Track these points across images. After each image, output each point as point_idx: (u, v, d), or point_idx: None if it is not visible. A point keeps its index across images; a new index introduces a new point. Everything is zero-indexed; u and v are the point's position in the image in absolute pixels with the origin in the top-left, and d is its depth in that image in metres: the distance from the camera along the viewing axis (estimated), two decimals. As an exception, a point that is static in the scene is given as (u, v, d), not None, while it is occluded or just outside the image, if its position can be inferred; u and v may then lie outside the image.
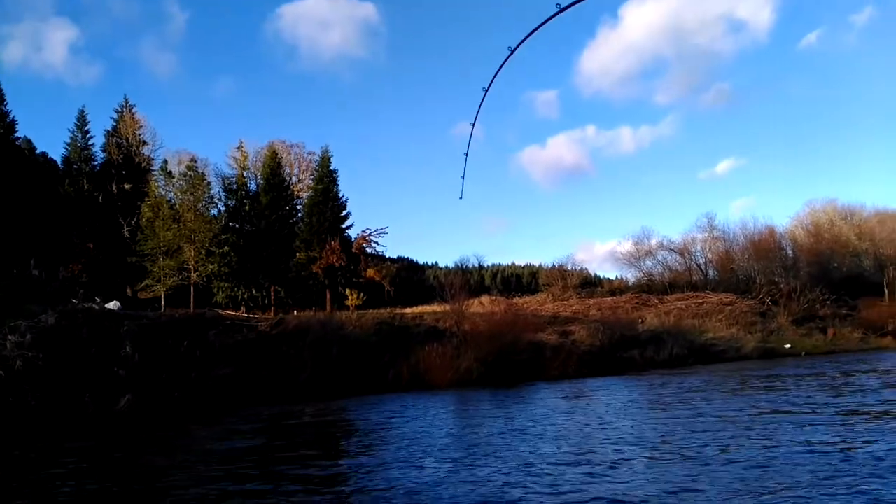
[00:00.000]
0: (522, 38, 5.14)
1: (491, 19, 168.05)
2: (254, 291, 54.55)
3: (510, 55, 5.34)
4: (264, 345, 25.41)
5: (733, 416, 14.35)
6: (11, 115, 49.08)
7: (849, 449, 9.88)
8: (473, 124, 6.54)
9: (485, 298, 49.53)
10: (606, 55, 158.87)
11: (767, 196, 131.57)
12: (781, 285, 51.10)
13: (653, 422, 14.59)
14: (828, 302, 50.17)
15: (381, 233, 58.42)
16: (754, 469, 8.77)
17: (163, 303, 43.85)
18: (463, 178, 7.25)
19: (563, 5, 4.39)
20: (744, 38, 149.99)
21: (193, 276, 45.41)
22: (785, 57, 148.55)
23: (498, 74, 5.75)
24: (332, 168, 59.30)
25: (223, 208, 56.68)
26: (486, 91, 6.02)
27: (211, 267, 47.01)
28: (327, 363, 24.39)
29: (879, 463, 8.74)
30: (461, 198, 7.48)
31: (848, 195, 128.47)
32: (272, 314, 41.12)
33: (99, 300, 31.01)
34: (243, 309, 48.36)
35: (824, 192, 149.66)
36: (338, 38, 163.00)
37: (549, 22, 4.67)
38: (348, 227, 59.58)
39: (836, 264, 62.90)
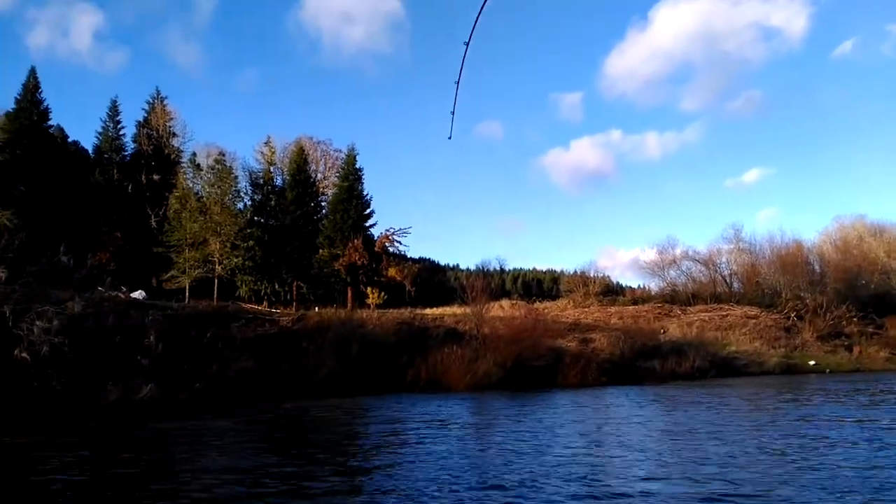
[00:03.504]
0: None
1: (515, 13, 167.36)
2: (276, 286, 54.89)
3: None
4: (285, 340, 25.62)
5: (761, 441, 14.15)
6: (45, 103, 49.95)
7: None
8: (458, 82, 6.31)
9: (505, 302, 49.44)
10: (634, 58, 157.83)
11: (794, 208, 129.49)
12: (807, 300, 50.27)
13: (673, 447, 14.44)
14: (854, 319, 49.31)
15: (403, 232, 58.56)
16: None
17: (187, 294, 44.30)
18: (453, 112, 7.00)
19: None
20: (776, 46, 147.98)
21: (218, 268, 45.84)
22: (818, 65, 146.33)
23: (476, 25, 5.49)
24: (357, 166, 59.54)
25: (249, 202, 57.16)
26: (468, 45, 5.83)
27: (235, 260, 47.42)
28: (347, 361, 24.50)
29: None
30: (450, 138, 7.24)
31: (878, 211, 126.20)
32: (294, 310, 41.33)
33: (125, 289, 31.51)
34: (266, 303, 48.67)
35: (853, 208, 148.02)
36: (361, 32, 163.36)
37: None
38: (371, 226, 59.78)
39: (863, 281, 61.75)
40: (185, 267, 45.29)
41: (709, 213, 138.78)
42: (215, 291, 45.43)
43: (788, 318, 48.96)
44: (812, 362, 41.65)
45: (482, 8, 5.13)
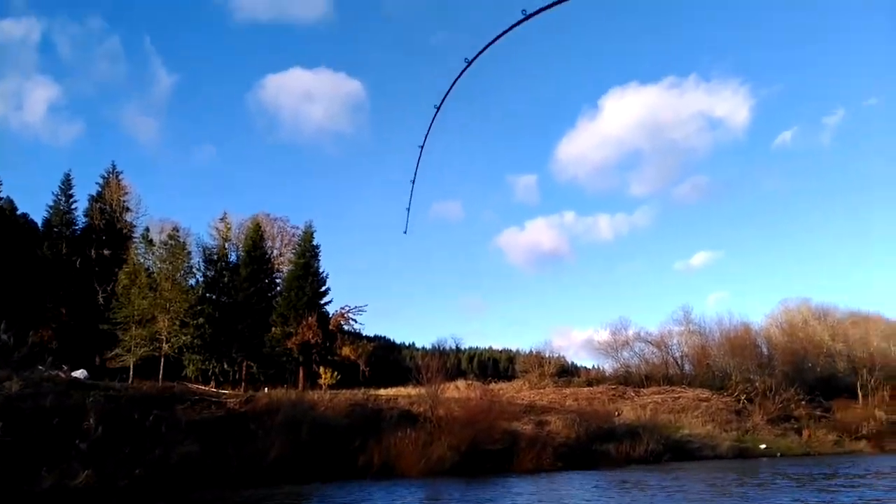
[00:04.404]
0: (480, 50, 4.98)
1: (473, 99, 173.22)
2: (225, 366, 53.48)
3: (466, 67, 5.13)
4: (233, 422, 24.77)
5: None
6: (-3, 176, 49.08)
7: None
8: (422, 147, 6.31)
9: (461, 383, 49.01)
10: (585, 144, 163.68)
11: (742, 291, 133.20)
12: (757, 383, 51.16)
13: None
14: (803, 402, 50.24)
15: (359, 310, 58.06)
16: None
17: (131, 373, 42.73)
18: (408, 209, 6.94)
19: (528, 12, 4.29)
20: (720, 135, 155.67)
21: (165, 346, 44.52)
22: (760, 154, 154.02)
23: (450, 92, 5.42)
24: (314, 243, 59.44)
25: (202, 279, 56.26)
26: (438, 109, 5.76)
27: (184, 338, 46.16)
28: (297, 444, 23.74)
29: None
30: (405, 232, 7.16)
31: (822, 295, 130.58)
32: (243, 390, 40.24)
33: (66, 368, 30.33)
34: (213, 383, 47.24)
35: (799, 291, 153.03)
36: (322, 111, 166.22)
37: (509, 32, 4.56)
38: (327, 304, 59.20)
39: (810, 364, 63.30)
40: (131, 345, 43.89)
41: (660, 295, 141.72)
42: (161, 371, 43.97)
43: (739, 400, 49.62)
44: (763, 446, 41.96)
45: (462, 72, 5.25)
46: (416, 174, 6.58)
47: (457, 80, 5.37)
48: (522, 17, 4.31)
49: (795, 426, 47.53)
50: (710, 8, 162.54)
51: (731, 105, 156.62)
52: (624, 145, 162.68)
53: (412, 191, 6.68)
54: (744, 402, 49.34)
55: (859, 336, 66.68)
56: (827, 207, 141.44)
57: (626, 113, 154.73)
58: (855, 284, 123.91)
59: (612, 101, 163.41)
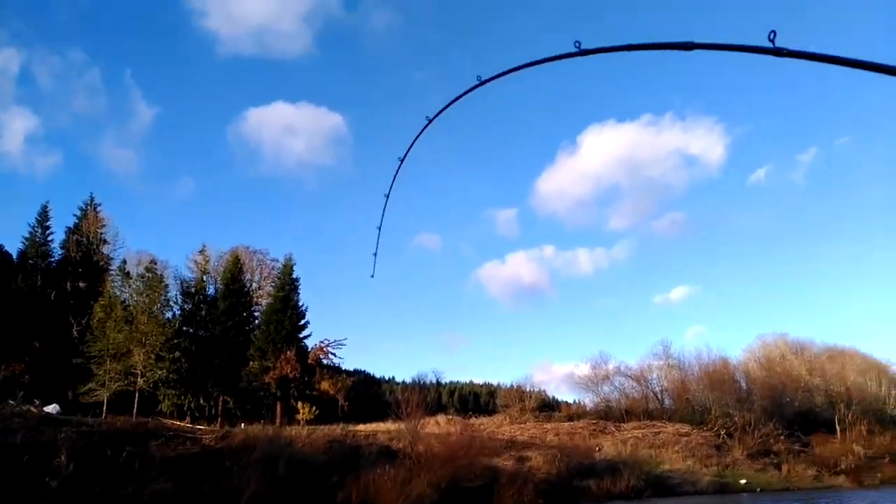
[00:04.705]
0: (441, 109, 5.26)
1: (453, 132, 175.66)
2: (201, 400, 52.59)
3: (427, 125, 5.43)
4: (208, 459, 24.36)
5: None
6: (-29, 207, 48.52)
7: None
8: (388, 195, 6.58)
9: (441, 418, 48.58)
10: (564, 179, 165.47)
11: (720, 325, 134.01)
12: (736, 417, 51.28)
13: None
14: (781, 437, 50.36)
15: (339, 344, 57.60)
16: None
17: (105, 408, 41.87)
18: (375, 254, 7.16)
19: (483, 78, 4.60)
20: (697, 172, 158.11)
21: (140, 381, 43.71)
22: (736, 190, 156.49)
23: (414, 145, 5.73)
24: (293, 276, 59.17)
25: (179, 312, 55.62)
26: (402, 160, 6.04)
27: (160, 373, 45.38)
28: (273, 481, 23.37)
29: None
30: (373, 276, 7.34)
31: (798, 329, 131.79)
32: (219, 426, 39.58)
33: (38, 402, 29.71)
34: (189, 419, 46.41)
35: (775, 325, 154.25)
36: (303, 144, 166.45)
37: (469, 94, 4.86)
38: (306, 337, 58.67)
39: (788, 399, 63.60)
40: (105, 379, 43.06)
41: (640, 329, 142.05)
42: (135, 406, 43.09)
43: (719, 435, 49.64)
44: (743, 481, 41.89)
45: (423, 129, 5.51)
46: (381, 221, 6.85)
47: (419, 135, 5.65)
48: (477, 82, 4.65)
49: (775, 461, 47.54)
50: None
51: (706, 143, 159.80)
52: (602, 181, 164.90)
53: (378, 237, 6.85)
54: (723, 437, 49.37)
55: (836, 371, 67.20)
56: (801, 243, 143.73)
57: (604, 149, 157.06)
58: (831, 319, 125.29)
59: (590, 137, 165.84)
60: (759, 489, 40.86)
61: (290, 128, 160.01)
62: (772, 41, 3.09)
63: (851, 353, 69.71)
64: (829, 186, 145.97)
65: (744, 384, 65.09)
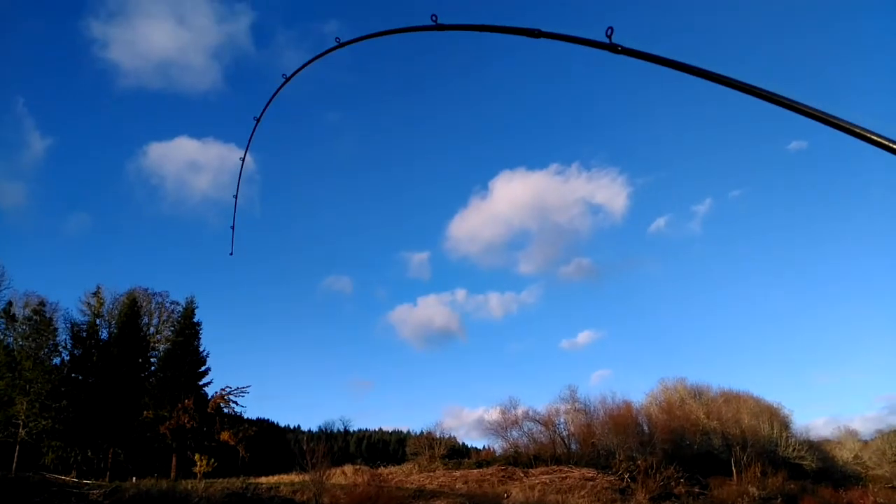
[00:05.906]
0: (299, 68, 5.38)
1: (369, 176, 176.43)
2: (89, 453, 49.00)
3: (284, 83, 5.50)
4: (93, 519, 22.51)
5: None
6: None
7: None
8: (243, 158, 6.42)
9: (348, 468, 47.23)
10: (476, 223, 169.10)
11: (624, 369, 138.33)
12: (639, 461, 52.34)
13: None
14: (682, 480, 51.71)
15: (241, 392, 55.18)
16: None
17: (-22, 463, 38.37)
18: (233, 227, 6.72)
19: (343, 41, 4.72)
20: (601, 220, 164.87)
21: (22, 432, 40.44)
22: (638, 239, 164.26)
23: (269, 105, 5.91)
24: (195, 320, 56.77)
25: (68, 357, 52.02)
26: (258, 120, 5.95)
27: (44, 423, 42.16)
28: (165, 542, 21.80)
29: None
30: (231, 253, 6.90)
31: (696, 374, 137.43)
32: (108, 480, 36.87)
33: None
34: (75, 473, 43.04)
35: (676, 369, 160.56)
36: (209, 181, 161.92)
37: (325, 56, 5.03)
38: (206, 385, 56.09)
39: (688, 441, 65.68)
40: (-19, 431, 39.61)
41: (548, 374, 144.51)
42: (15, 459, 39.72)
43: (623, 479, 50.44)
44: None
45: (280, 87, 5.65)
46: (238, 188, 6.68)
47: (275, 94, 5.86)
48: (335, 44, 4.84)
49: (676, 504, 48.75)
50: (590, 100, 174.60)
51: (609, 192, 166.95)
52: (513, 225, 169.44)
53: (235, 207, 6.63)
54: (627, 481, 50.21)
55: (732, 413, 70.12)
56: (698, 290, 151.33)
57: (515, 194, 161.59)
58: (726, 364, 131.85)
59: (502, 182, 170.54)
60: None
61: (194, 164, 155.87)
62: (609, 38, 3.11)
63: (745, 397, 73.20)
64: (724, 236, 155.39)
65: (646, 427, 66.80)
